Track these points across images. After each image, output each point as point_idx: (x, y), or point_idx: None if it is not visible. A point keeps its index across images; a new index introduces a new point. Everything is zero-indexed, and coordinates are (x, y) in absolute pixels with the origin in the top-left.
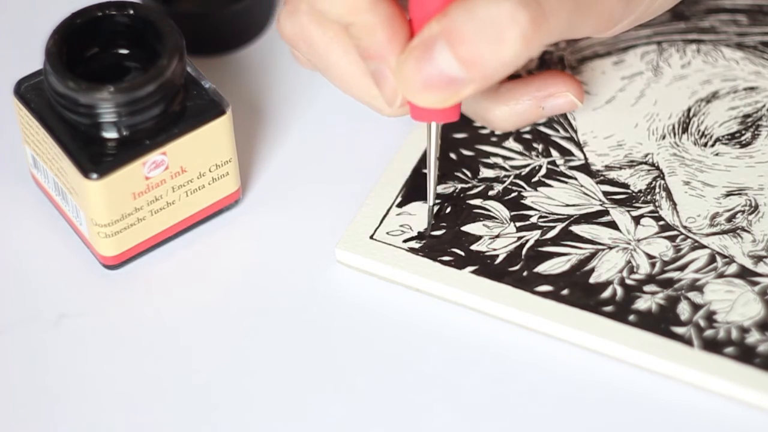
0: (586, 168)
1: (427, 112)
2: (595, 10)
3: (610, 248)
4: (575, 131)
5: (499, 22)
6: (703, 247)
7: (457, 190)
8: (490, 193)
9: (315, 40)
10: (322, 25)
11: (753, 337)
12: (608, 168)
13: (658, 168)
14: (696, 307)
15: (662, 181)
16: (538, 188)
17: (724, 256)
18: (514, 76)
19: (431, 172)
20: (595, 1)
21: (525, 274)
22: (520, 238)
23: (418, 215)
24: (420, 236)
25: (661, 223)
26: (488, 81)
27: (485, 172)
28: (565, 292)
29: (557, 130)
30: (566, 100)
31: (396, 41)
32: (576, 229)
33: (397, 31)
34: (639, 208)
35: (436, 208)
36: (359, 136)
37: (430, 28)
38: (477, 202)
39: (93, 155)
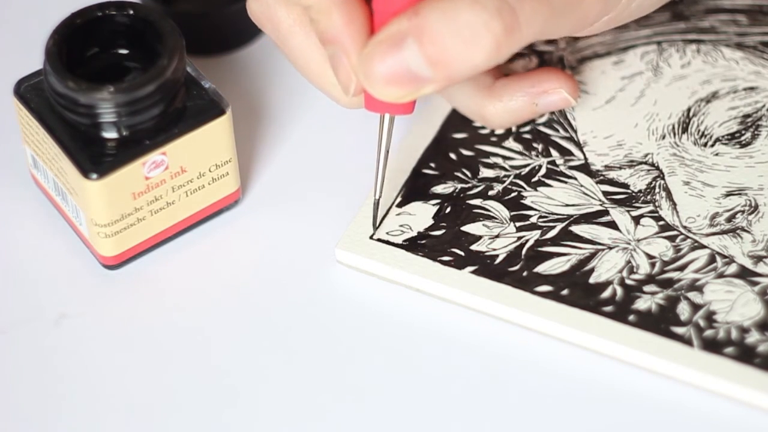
0: (585, 168)
1: (382, 104)
2: (571, 15)
3: (610, 248)
4: (575, 131)
5: (473, 28)
6: (703, 247)
7: (456, 190)
8: (490, 193)
9: (279, 21)
10: (286, 7)
11: (753, 337)
12: (608, 168)
13: (657, 168)
14: (696, 307)
15: (662, 181)
16: (538, 188)
17: (724, 256)
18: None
19: (380, 164)
20: (571, 7)
21: (525, 274)
22: (519, 238)
23: (418, 215)
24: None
25: (661, 223)
26: (451, 82)
27: (485, 172)
28: (564, 292)
29: (557, 130)
30: (560, 96)
31: (353, 26)
32: (576, 229)
33: (354, 15)
34: (639, 208)
35: (434, 209)
36: (359, 136)
37: (399, 23)
38: (477, 202)
39: (93, 155)
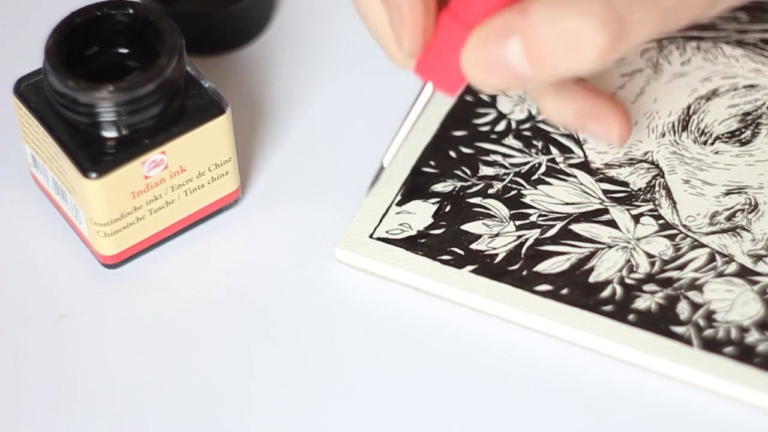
0: (585, 166)
1: (431, 73)
2: (678, 18)
3: (610, 247)
4: None
5: (578, 36)
6: (703, 246)
7: (456, 189)
8: (490, 191)
9: None
10: None
11: (752, 336)
12: (608, 166)
13: (657, 166)
14: (695, 307)
15: (662, 180)
16: (538, 186)
17: (724, 255)
18: None
19: (401, 132)
20: (680, 8)
21: (524, 273)
22: (519, 237)
23: (418, 214)
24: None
25: (661, 221)
26: (555, 80)
27: (485, 170)
28: (564, 291)
29: (557, 127)
30: (606, 131)
31: None
32: (575, 227)
33: None
34: (639, 206)
35: (434, 208)
36: (359, 135)
37: (506, 18)
38: (476, 200)
39: (92, 154)
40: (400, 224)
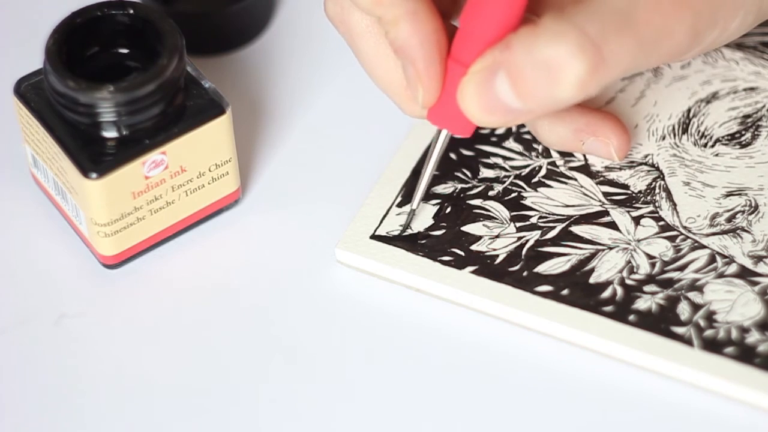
0: (586, 168)
1: (444, 119)
2: (658, 50)
3: (610, 248)
4: None
5: (556, 64)
6: (703, 247)
7: (457, 190)
8: (490, 193)
9: (352, 25)
10: (361, 12)
11: (753, 337)
12: (608, 169)
13: (658, 169)
14: (696, 307)
15: (662, 182)
16: (538, 189)
17: (724, 256)
18: None
19: (425, 176)
20: (659, 40)
21: (525, 274)
22: (520, 238)
23: (419, 215)
24: (397, 236)
25: (661, 223)
26: (546, 112)
27: (485, 173)
28: (565, 292)
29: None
30: (605, 147)
31: (419, 37)
32: (576, 229)
33: (422, 27)
34: (639, 208)
35: (434, 209)
36: (359, 136)
37: (493, 56)
38: (477, 202)
39: (93, 155)
40: (401, 225)
